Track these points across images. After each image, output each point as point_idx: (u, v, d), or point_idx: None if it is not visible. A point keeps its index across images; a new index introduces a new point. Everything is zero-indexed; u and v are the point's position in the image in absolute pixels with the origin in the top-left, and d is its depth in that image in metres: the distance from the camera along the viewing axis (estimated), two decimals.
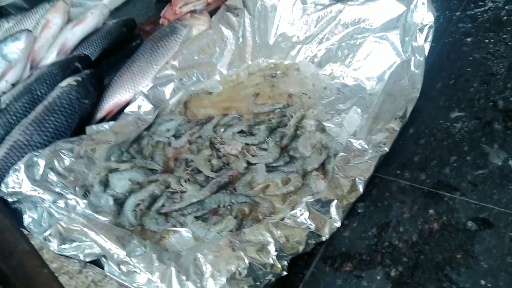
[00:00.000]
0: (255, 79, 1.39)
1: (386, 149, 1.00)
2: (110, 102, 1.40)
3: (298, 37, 1.43)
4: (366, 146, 1.01)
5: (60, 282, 0.47)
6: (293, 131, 1.15)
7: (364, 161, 0.98)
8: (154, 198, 1.06)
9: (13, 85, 1.53)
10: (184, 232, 0.94)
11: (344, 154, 1.00)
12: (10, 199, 1.08)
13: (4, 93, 1.49)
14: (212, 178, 1.08)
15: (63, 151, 1.13)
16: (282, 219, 0.88)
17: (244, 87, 1.38)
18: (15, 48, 1.53)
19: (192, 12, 1.61)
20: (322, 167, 1.04)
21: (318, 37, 1.37)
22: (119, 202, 1.06)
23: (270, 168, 1.07)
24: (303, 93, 1.30)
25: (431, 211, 0.93)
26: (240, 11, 1.48)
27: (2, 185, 1.07)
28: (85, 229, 0.90)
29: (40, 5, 1.77)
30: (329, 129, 1.14)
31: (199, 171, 1.11)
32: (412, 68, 1.16)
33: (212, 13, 1.59)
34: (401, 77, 1.16)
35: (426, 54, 1.18)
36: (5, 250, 0.43)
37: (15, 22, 1.76)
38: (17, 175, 1.06)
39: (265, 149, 1.11)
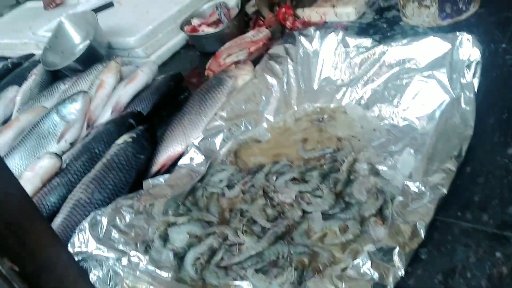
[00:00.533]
0: (303, 124, 1.41)
1: (445, 190, 0.98)
2: (164, 156, 1.44)
3: (342, 80, 1.44)
4: (423, 188, 0.99)
5: None
6: (346, 176, 1.15)
7: (423, 205, 0.96)
8: (213, 251, 1.07)
9: (72, 144, 1.62)
10: (246, 286, 0.95)
11: (402, 198, 0.99)
12: (76, 258, 1.12)
13: (63, 152, 1.58)
14: (268, 228, 1.08)
15: (123, 208, 1.18)
16: (344, 269, 0.87)
17: (292, 133, 1.40)
18: (72, 109, 1.62)
19: (236, 63, 1.67)
20: (380, 212, 1.03)
21: (363, 79, 1.39)
22: (179, 257, 1.08)
23: (326, 216, 1.07)
24: (352, 136, 1.30)
25: (498, 254, 0.89)
26: (283, 59, 1.52)
27: (69, 245, 1.12)
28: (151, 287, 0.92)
29: (94, 66, 1.88)
30: (383, 172, 1.13)
31: (255, 221, 1.12)
32: (463, 105, 1.15)
33: (255, 62, 1.64)
34: (452, 115, 1.15)
35: (476, 90, 1.17)
36: None
37: (71, 84, 1.88)
38: (82, 235, 1.11)
39: (319, 196, 1.11)
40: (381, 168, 1.15)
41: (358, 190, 1.10)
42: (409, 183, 1.01)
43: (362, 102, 1.37)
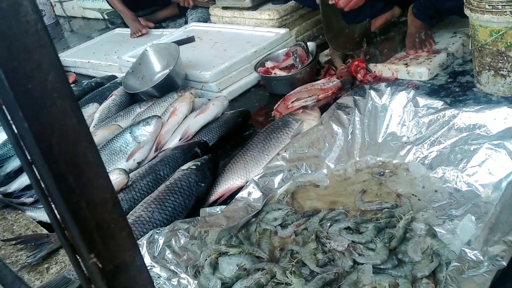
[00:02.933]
0: (363, 176, 1.42)
1: (504, 263, 0.95)
2: (223, 187, 1.50)
3: (408, 137, 1.45)
4: (481, 257, 0.97)
5: None
6: (402, 234, 1.14)
7: (479, 274, 0.94)
8: (259, 287, 1.09)
9: (139, 163, 1.71)
10: None
11: (458, 264, 0.97)
12: None
13: (131, 170, 1.67)
14: (317, 273, 1.09)
15: (180, 231, 1.23)
16: None
17: (351, 182, 1.41)
18: (145, 131, 1.73)
19: (304, 107, 1.72)
20: (433, 275, 1.01)
21: (430, 140, 1.38)
22: (226, 287, 1.11)
23: (377, 270, 1.06)
24: (413, 194, 1.29)
25: None
26: (351, 109, 1.55)
27: None
28: None
29: (169, 94, 2.00)
30: (441, 235, 1.11)
31: (304, 264, 1.13)
32: None
33: (322, 110, 1.68)
34: None
35: None
36: None
37: (146, 108, 2.00)
38: (140, 250, 1.16)
39: (372, 249, 1.11)
40: (439, 230, 1.13)
41: (413, 249, 1.09)
42: (467, 250, 0.98)
43: (426, 162, 1.37)
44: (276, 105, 1.88)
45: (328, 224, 1.23)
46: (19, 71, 0.34)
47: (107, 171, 1.48)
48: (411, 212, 1.20)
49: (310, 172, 1.47)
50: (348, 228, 1.20)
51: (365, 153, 1.49)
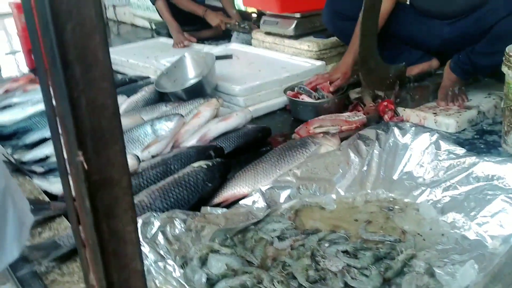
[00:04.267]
0: (371, 207, 1.39)
1: None
2: (229, 192, 1.48)
3: (424, 179, 1.42)
4: None
5: None
6: (400, 267, 1.10)
7: None
8: None
9: (153, 157, 1.72)
10: None
11: None
12: None
13: (143, 161, 1.68)
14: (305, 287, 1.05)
15: (177, 219, 1.21)
16: None
17: (358, 211, 1.38)
18: (165, 126, 1.74)
19: (325, 133, 1.71)
20: None
21: (446, 184, 1.35)
22: (211, 283, 1.08)
23: None
24: (418, 234, 1.25)
25: None
26: (371, 142, 1.54)
27: None
28: None
29: (197, 99, 2.02)
30: (439, 276, 1.07)
31: (294, 277, 1.10)
32: None
33: (342, 140, 1.68)
34: None
35: None
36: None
37: (171, 108, 2.03)
38: None
39: (366, 276, 1.07)
40: (439, 272, 1.08)
41: (408, 283, 1.04)
42: None
43: (438, 205, 1.33)
44: (298, 128, 1.88)
45: (326, 245, 1.20)
46: None
47: None
48: (413, 249, 1.16)
49: (318, 194, 1.45)
50: (346, 251, 1.16)
51: (378, 186, 1.46)
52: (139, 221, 1.17)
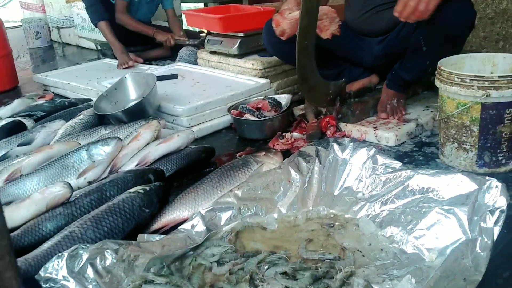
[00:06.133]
0: (312, 225, 1.38)
1: None
2: (168, 217, 1.43)
3: (363, 194, 1.42)
4: None
5: None
6: (338, 285, 1.08)
7: None
8: None
9: (90, 183, 1.65)
10: None
11: None
12: (44, 285, 1.09)
13: (79, 188, 1.60)
14: None
15: (108, 250, 1.15)
16: None
17: (299, 230, 1.36)
18: (102, 151, 1.68)
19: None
20: None
21: (384, 198, 1.36)
22: None
23: None
24: (358, 250, 1.25)
25: None
26: (311, 158, 1.54)
27: (42, 270, 1.09)
28: None
29: (137, 121, 1.97)
30: None
31: None
32: (478, 249, 1.09)
33: (284, 155, 1.67)
34: (464, 256, 1.09)
35: (495, 238, 1.11)
36: None
37: (111, 131, 1.96)
38: (58, 262, 1.08)
39: None
40: None
41: None
42: None
43: (377, 220, 1.34)
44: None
45: (266, 267, 1.17)
46: None
47: (52, 184, 1.39)
48: (352, 266, 1.15)
49: (260, 214, 1.42)
50: (285, 273, 1.14)
51: (319, 203, 1.46)
52: (65, 255, 1.10)
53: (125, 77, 2.32)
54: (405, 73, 1.93)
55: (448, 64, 1.67)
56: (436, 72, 1.65)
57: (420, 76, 1.90)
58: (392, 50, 2.05)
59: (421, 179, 1.32)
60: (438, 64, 1.65)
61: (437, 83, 1.64)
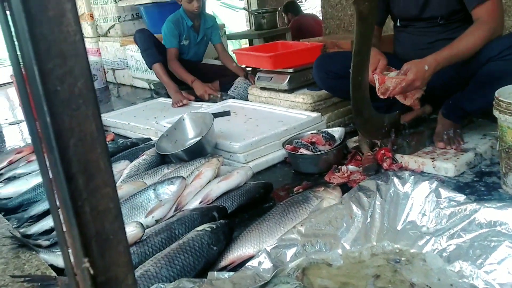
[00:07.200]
0: (378, 261, 1.39)
1: None
2: (235, 254, 1.48)
3: (428, 228, 1.42)
4: None
5: None
6: None
7: None
8: None
9: (157, 221, 1.73)
10: None
11: None
12: None
13: (148, 227, 1.69)
14: None
15: None
16: None
17: (365, 266, 1.37)
18: (168, 190, 1.76)
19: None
20: None
21: (450, 232, 1.36)
22: None
23: None
24: (427, 285, 1.24)
25: None
26: (372, 193, 1.55)
27: None
28: None
29: (198, 159, 2.06)
30: None
31: None
32: None
33: (343, 190, 1.69)
34: None
35: None
36: None
37: (173, 170, 2.05)
38: None
39: None
40: None
41: None
42: None
43: (444, 254, 1.33)
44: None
45: None
46: (53, 73, 0.39)
47: (125, 224, 1.51)
48: None
49: (324, 250, 1.45)
50: None
51: (383, 238, 1.46)
52: None
53: (183, 117, 2.43)
54: (468, 104, 1.92)
55: (506, 93, 1.66)
56: (494, 102, 1.65)
57: (484, 108, 1.87)
58: (448, 81, 2.04)
59: (488, 212, 1.32)
60: (496, 94, 1.64)
61: (496, 113, 1.63)
